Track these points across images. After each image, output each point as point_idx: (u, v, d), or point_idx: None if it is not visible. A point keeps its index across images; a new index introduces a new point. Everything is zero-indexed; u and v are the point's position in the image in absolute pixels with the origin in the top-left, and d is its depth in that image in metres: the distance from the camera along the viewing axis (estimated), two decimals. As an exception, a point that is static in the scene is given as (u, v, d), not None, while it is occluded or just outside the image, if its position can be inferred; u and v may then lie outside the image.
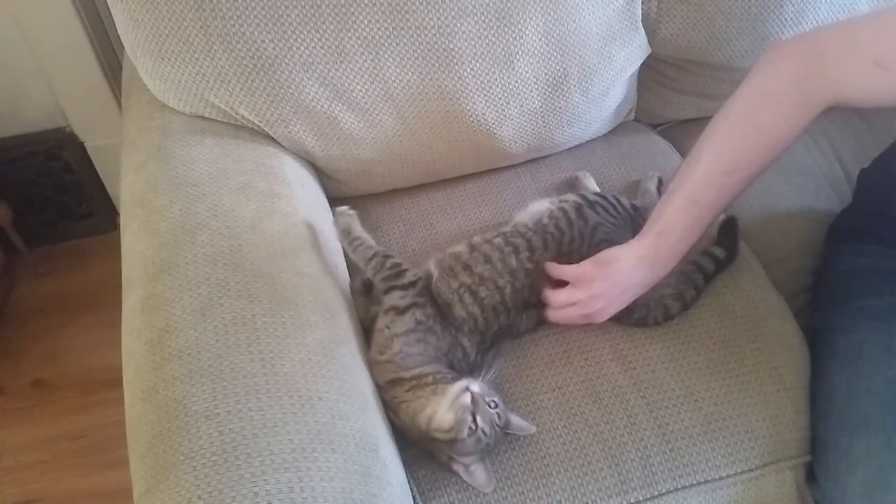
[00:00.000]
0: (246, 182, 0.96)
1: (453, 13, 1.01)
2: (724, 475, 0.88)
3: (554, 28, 1.06)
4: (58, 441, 1.46)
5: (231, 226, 0.89)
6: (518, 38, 1.05)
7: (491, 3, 1.02)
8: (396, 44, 1.01)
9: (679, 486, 0.87)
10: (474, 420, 0.80)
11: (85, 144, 1.67)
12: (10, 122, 1.61)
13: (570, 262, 0.95)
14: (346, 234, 0.97)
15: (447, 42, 1.03)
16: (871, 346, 0.88)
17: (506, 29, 1.04)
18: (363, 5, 0.98)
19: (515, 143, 1.16)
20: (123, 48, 1.04)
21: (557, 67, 1.10)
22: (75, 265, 1.77)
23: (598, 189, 1.13)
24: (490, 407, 0.82)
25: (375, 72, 1.03)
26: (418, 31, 1.01)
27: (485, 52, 1.05)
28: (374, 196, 1.19)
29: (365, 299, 0.97)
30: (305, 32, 0.98)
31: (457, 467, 0.84)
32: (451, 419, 0.80)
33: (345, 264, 1.02)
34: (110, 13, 1.01)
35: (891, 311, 0.91)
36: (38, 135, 1.64)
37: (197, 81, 1.00)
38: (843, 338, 0.92)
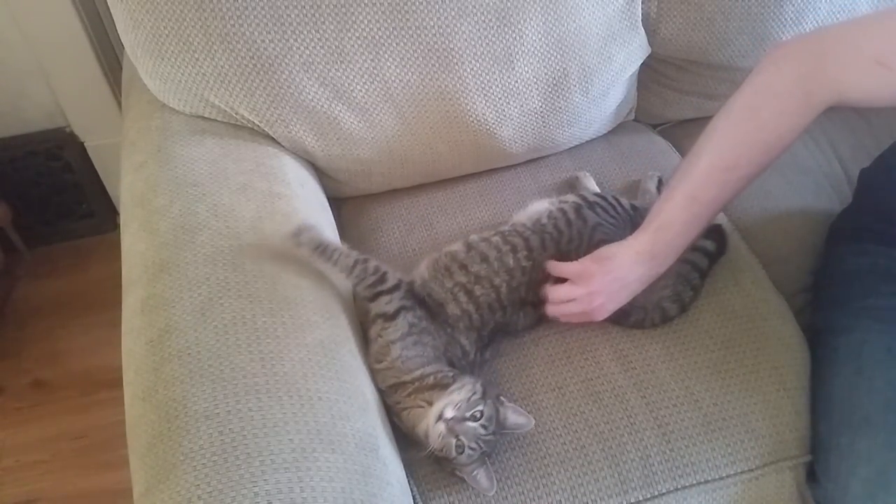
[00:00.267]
0: (246, 182, 0.96)
1: (453, 13, 1.01)
2: (724, 475, 0.88)
3: (554, 28, 1.06)
4: (58, 441, 1.46)
5: (231, 226, 0.89)
6: (518, 38, 1.05)
7: (491, 3, 1.02)
8: (396, 44, 1.01)
9: (679, 486, 0.87)
10: (459, 439, 0.80)
11: (85, 144, 1.67)
12: (10, 122, 1.61)
13: (568, 261, 0.95)
14: (319, 249, 0.88)
15: (447, 42, 1.03)
16: (872, 346, 0.88)
17: (506, 29, 1.04)
18: (363, 5, 0.98)
19: (515, 143, 1.16)
20: (123, 48, 1.04)
21: (557, 67, 1.10)
22: (75, 265, 1.77)
23: (597, 189, 1.13)
24: (475, 418, 0.80)
25: (375, 72, 1.03)
26: (418, 31, 1.01)
27: (485, 52, 1.05)
28: (374, 196, 1.19)
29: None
30: (305, 32, 0.98)
31: (460, 474, 0.84)
32: (438, 444, 0.81)
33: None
34: (110, 13, 1.01)
35: (891, 311, 0.91)
36: (38, 135, 1.64)
37: (197, 81, 1.00)
38: (843, 338, 0.92)
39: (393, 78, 1.04)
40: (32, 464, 1.44)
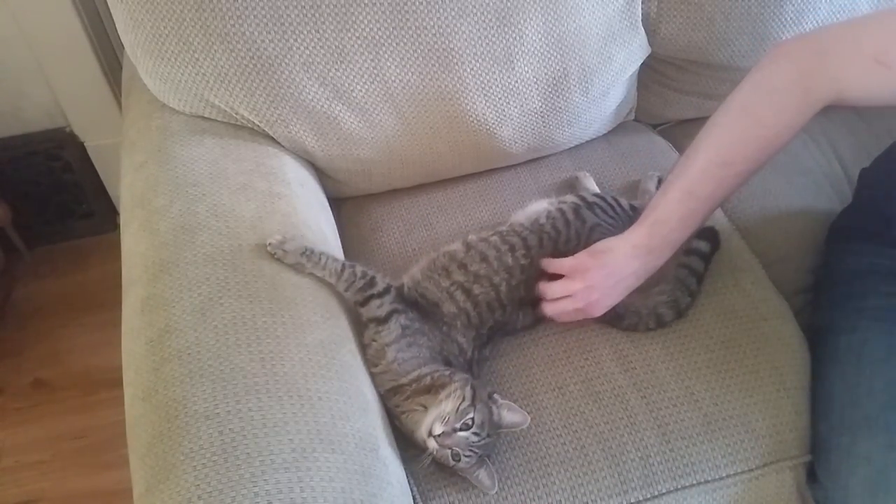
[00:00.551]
0: (246, 182, 0.96)
1: (453, 13, 1.01)
2: (724, 475, 0.88)
3: (554, 28, 1.06)
4: (58, 441, 1.46)
5: (231, 226, 0.89)
6: (518, 38, 1.05)
7: (491, 3, 1.02)
8: (396, 44, 1.01)
9: (679, 486, 0.87)
10: (453, 450, 0.80)
11: (85, 144, 1.67)
12: (10, 122, 1.61)
13: None
14: (306, 255, 0.87)
15: (447, 42, 1.03)
16: (872, 346, 0.88)
17: (506, 29, 1.04)
18: (363, 5, 0.98)
19: (515, 143, 1.16)
20: (123, 48, 1.04)
21: (557, 67, 1.10)
22: (75, 265, 1.77)
23: (597, 189, 1.13)
24: (467, 426, 0.80)
25: (375, 72, 1.03)
26: (418, 31, 1.01)
27: (485, 52, 1.05)
28: (374, 196, 1.19)
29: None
30: (305, 32, 0.98)
31: (462, 474, 0.84)
32: (435, 455, 0.81)
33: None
34: (110, 13, 1.01)
35: (891, 311, 0.91)
36: (38, 135, 1.64)
37: (197, 81, 1.00)
38: (843, 338, 0.92)
39: (393, 78, 1.04)
40: (32, 464, 1.44)
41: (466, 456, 0.81)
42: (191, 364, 0.75)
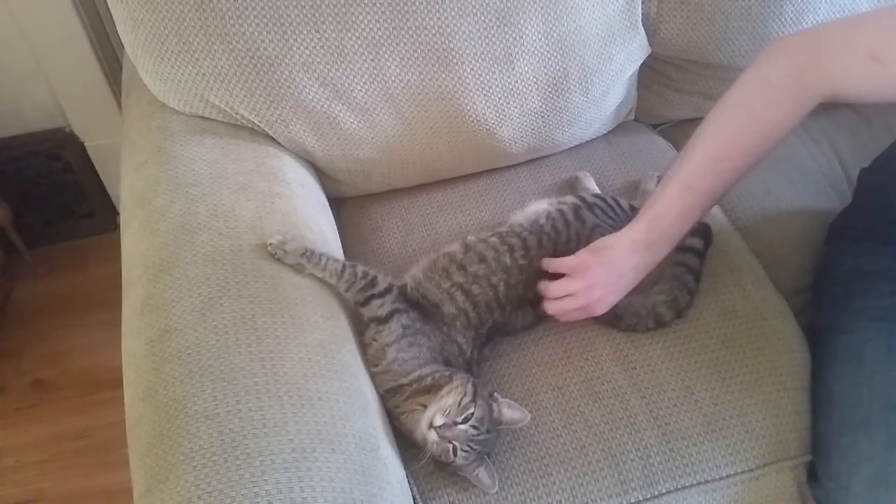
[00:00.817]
0: (246, 182, 0.96)
1: (453, 13, 1.01)
2: (724, 475, 0.88)
3: (554, 28, 1.06)
4: (58, 441, 1.47)
5: (231, 226, 0.89)
6: (518, 38, 1.05)
7: (491, 3, 1.02)
8: (396, 44, 1.01)
9: (679, 486, 0.87)
10: (452, 444, 0.80)
11: (85, 144, 1.67)
12: (11, 121, 1.61)
13: None
14: (306, 255, 0.87)
15: (447, 42, 1.03)
16: (873, 345, 0.88)
17: (506, 29, 1.04)
18: (363, 5, 0.98)
19: (515, 143, 1.16)
20: (123, 48, 1.04)
21: (557, 67, 1.10)
22: (75, 265, 1.77)
23: (597, 190, 1.13)
24: (466, 421, 0.80)
25: (375, 72, 1.03)
26: (418, 31, 1.01)
27: (485, 52, 1.05)
28: (374, 196, 1.19)
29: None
30: (305, 32, 0.98)
31: (462, 473, 0.84)
32: (434, 451, 0.81)
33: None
34: (110, 13, 1.01)
35: (891, 310, 0.91)
36: (38, 135, 1.64)
37: (197, 81, 1.00)
38: (844, 337, 0.92)
39: (393, 78, 1.04)
40: (32, 464, 1.44)
41: (465, 450, 0.81)
42: (191, 364, 0.75)
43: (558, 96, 1.13)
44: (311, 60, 1.00)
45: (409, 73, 1.04)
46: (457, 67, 1.05)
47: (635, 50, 1.16)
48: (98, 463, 1.42)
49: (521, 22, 1.04)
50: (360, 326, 0.92)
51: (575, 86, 1.13)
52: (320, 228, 1.00)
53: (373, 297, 0.89)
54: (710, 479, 0.87)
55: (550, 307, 0.95)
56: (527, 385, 0.93)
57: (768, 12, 1.13)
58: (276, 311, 0.81)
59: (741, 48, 1.16)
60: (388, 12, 0.99)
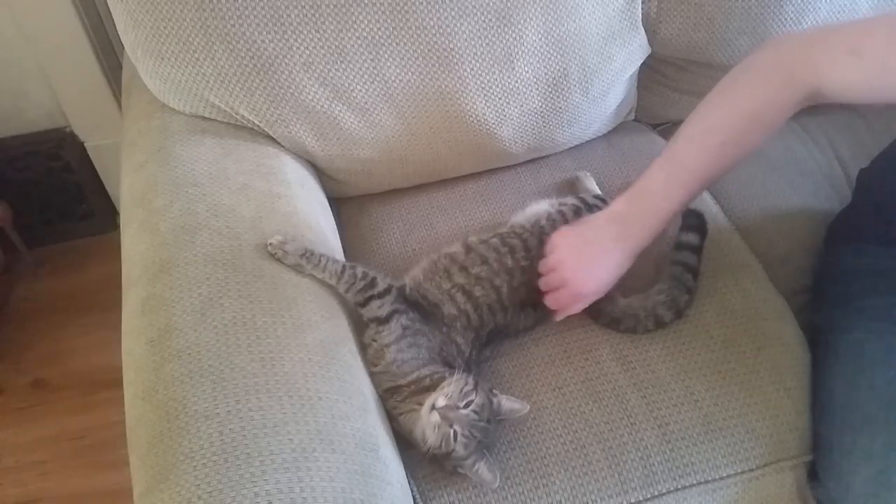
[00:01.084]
0: (246, 182, 0.96)
1: (453, 13, 1.01)
2: (724, 475, 0.88)
3: (554, 28, 1.06)
4: (58, 441, 1.47)
5: (231, 226, 0.89)
6: (518, 38, 1.05)
7: (491, 3, 1.02)
8: (396, 44, 1.01)
9: (679, 486, 0.87)
10: (453, 428, 0.80)
11: (85, 144, 1.67)
12: (11, 122, 1.61)
13: None
14: (306, 256, 0.87)
15: (447, 42, 1.03)
16: (872, 345, 0.88)
17: (506, 29, 1.04)
18: (363, 5, 0.98)
19: (515, 143, 1.16)
20: (123, 48, 1.04)
21: (557, 67, 1.10)
22: (75, 265, 1.77)
23: (598, 190, 1.13)
24: (466, 407, 0.80)
25: (375, 72, 1.03)
26: (418, 31, 1.01)
27: (485, 52, 1.05)
28: (374, 196, 1.19)
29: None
30: (305, 32, 0.98)
31: (462, 470, 0.84)
32: (435, 437, 0.80)
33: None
34: (110, 13, 1.01)
35: (891, 310, 0.91)
36: (38, 135, 1.64)
37: (197, 81, 1.00)
38: (843, 337, 0.92)
39: (393, 78, 1.04)
40: (32, 464, 1.44)
41: (465, 437, 0.80)
42: (191, 364, 0.75)
43: (558, 96, 1.13)
44: (311, 60, 1.00)
45: (409, 73, 1.04)
46: (457, 67, 1.05)
47: (635, 50, 1.16)
48: (98, 463, 1.42)
49: (521, 22, 1.04)
50: (359, 326, 0.92)
51: (575, 86, 1.13)
52: (320, 228, 1.00)
53: (372, 297, 0.89)
54: (710, 479, 0.87)
55: (548, 303, 0.95)
56: (527, 385, 0.93)
57: (768, 12, 1.13)
58: (276, 311, 0.81)
59: (741, 48, 1.16)
60: (388, 12, 0.99)
